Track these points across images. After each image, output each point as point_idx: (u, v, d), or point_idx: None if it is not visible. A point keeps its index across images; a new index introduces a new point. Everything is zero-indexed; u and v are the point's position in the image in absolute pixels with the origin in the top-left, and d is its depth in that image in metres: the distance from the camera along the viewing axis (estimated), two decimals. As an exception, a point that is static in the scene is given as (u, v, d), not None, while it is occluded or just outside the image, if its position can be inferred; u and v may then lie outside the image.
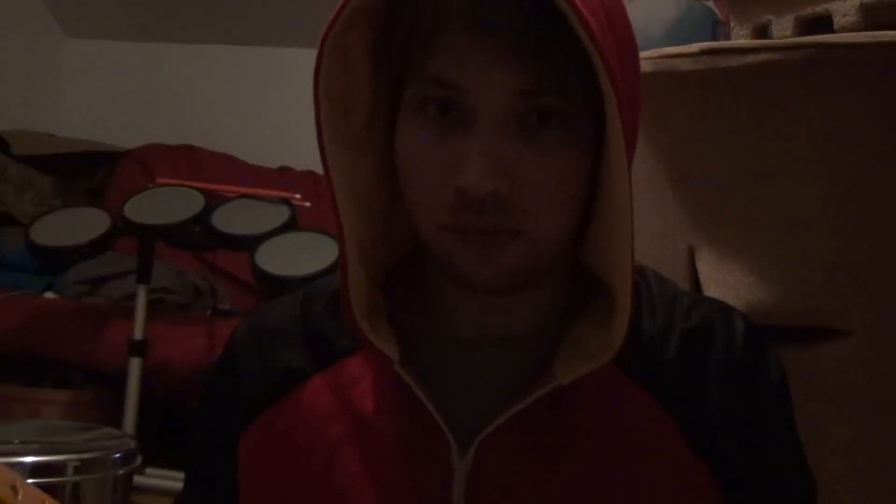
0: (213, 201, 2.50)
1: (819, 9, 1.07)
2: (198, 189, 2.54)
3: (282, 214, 2.46)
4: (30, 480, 1.22)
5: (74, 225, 2.49)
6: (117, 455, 1.41)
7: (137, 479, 1.50)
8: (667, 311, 0.78)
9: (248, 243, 2.36)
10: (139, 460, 1.45)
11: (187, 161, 3.37)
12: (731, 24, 1.21)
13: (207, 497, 0.83)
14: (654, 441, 0.74)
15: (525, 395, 0.72)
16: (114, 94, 3.69)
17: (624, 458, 0.73)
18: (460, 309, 0.77)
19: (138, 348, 2.35)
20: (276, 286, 2.22)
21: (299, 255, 2.27)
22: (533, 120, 0.68)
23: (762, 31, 1.16)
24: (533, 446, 0.73)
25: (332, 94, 0.71)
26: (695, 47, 1.03)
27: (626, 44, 0.71)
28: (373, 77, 0.73)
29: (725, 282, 1.05)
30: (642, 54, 1.07)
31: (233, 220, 2.44)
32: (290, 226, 2.42)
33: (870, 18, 1.01)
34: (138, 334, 2.36)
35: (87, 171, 3.41)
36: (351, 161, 0.73)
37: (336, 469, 0.75)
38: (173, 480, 2.07)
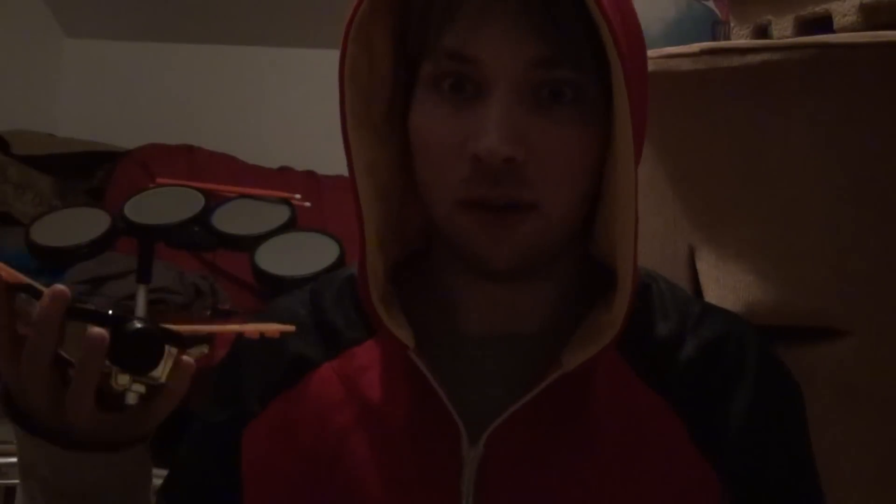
0: (213, 201, 2.50)
1: (819, 9, 1.07)
2: (198, 189, 2.54)
3: (282, 214, 2.45)
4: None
5: (74, 225, 2.48)
6: (117, 455, 1.40)
7: (137, 479, 1.49)
8: (679, 315, 0.78)
9: (248, 243, 2.35)
10: (139, 460, 1.45)
11: (187, 161, 3.37)
12: (731, 24, 1.21)
13: (197, 489, 0.83)
14: (662, 439, 0.74)
15: (534, 386, 0.72)
16: (114, 94, 3.68)
17: (631, 453, 0.74)
18: (469, 305, 0.78)
19: (138, 348, 2.34)
20: (276, 286, 2.22)
21: (299, 255, 2.27)
22: (546, 94, 0.69)
23: (762, 31, 1.16)
24: (543, 438, 0.73)
25: (357, 80, 0.72)
26: (695, 47, 1.03)
27: (634, 29, 0.73)
28: (394, 67, 0.74)
29: (725, 282, 1.05)
30: (642, 54, 1.08)
31: (233, 220, 2.44)
32: (290, 226, 2.42)
33: (870, 18, 1.01)
34: (138, 334, 2.36)
35: (87, 171, 3.40)
36: (372, 145, 0.74)
37: (344, 456, 0.75)
38: (173, 480, 2.07)
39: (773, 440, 0.77)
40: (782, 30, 1.11)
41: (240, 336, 0.84)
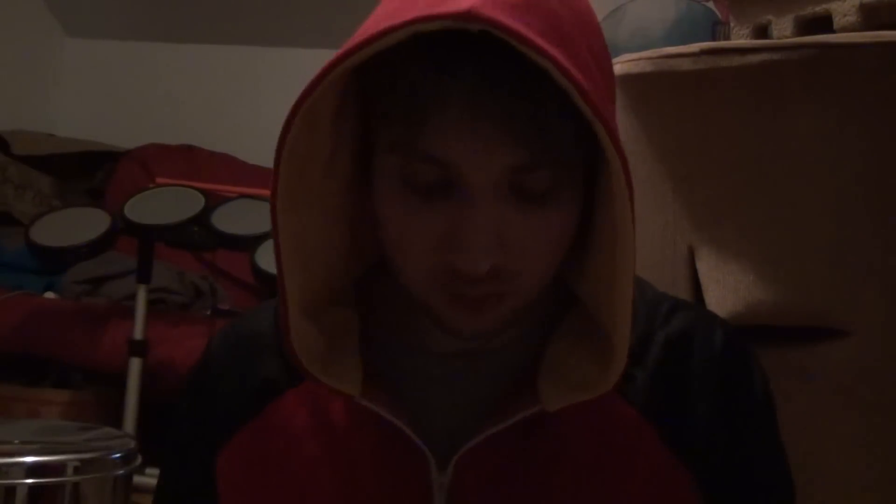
0: (213, 201, 2.50)
1: (819, 9, 1.07)
2: (198, 189, 2.54)
3: (282, 214, 2.45)
4: (29, 480, 1.24)
5: (74, 225, 2.49)
6: (117, 455, 1.40)
7: (137, 479, 1.50)
8: (647, 316, 0.77)
9: (248, 243, 2.36)
10: (139, 460, 1.45)
11: (187, 161, 3.37)
12: (731, 24, 1.21)
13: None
14: (635, 450, 0.74)
15: (507, 415, 0.71)
16: (114, 94, 3.69)
17: (605, 469, 0.73)
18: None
19: (138, 348, 2.35)
20: (275, 286, 2.22)
21: (299, 255, 2.27)
22: (527, 187, 0.66)
23: (762, 31, 1.16)
24: (513, 460, 0.73)
25: (296, 153, 0.68)
26: (695, 47, 1.03)
27: (609, 84, 0.70)
28: (333, 129, 0.71)
29: (725, 282, 1.05)
30: (642, 54, 1.08)
31: (233, 220, 2.44)
32: (289, 226, 2.42)
33: (870, 18, 1.01)
34: (138, 334, 2.36)
35: (87, 171, 3.40)
36: (301, 223, 0.71)
37: (314, 487, 0.75)
38: (173, 480, 2.07)
39: (745, 438, 0.76)
40: (782, 30, 1.11)
41: (209, 348, 0.83)
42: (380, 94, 0.68)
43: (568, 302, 0.76)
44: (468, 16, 0.59)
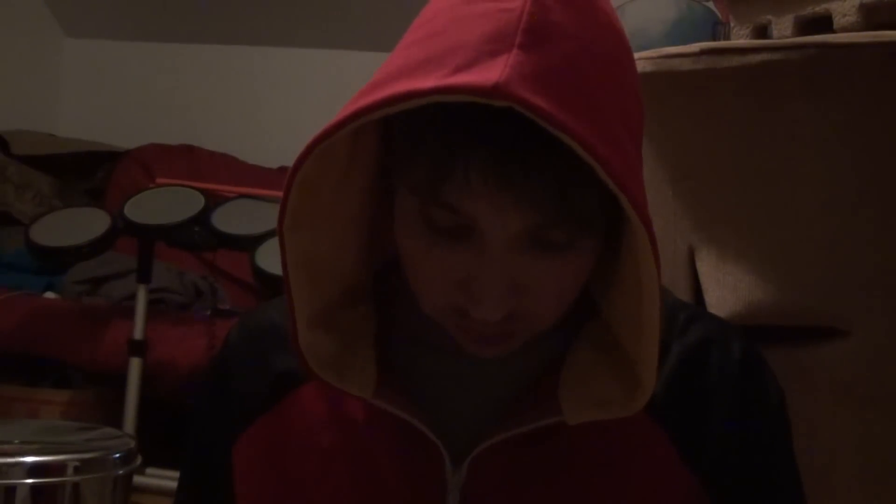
0: (213, 201, 2.50)
1: (819, 9, 1.07)
2: (198, 189, 2.55)
3: (281, 214, 2.45)
4: (29, 480, 1.23)
5: (74, 225, 2.49)
6: (117, 455, 1.40)
7: (137, 479, 1.50)
8: (665, 324, 0.77)
9: (248, 243, 2.36)
10: (139, 460, 1.45)
11: (187, 161, 3.37)
12: (731, 24, 1.21)
13: (205, 501, 0.83)
14: (648, 457, 0.74)
15: (525, 420, 0.72)
16: (114, 94, 3.69)
17: (617, 475, 0.73)
18: None
19: (138, 348, 2.35)
20: (276, 286, 2.22)
21: (299, 255, 2.27)
22: (547, 238, 0.66)
23: (762, 31, 1.16)
24: (527, 463, 0.73)
25: (307, 176, 0.69)
26: (695, 47, 1.03)
27: (638, 142, 0.70)
28: (348, 150, 0.71)
29: (725, 282, 1.05)
30: (642, 54, 1.08)
31: (233, 220, 2.44)
32: (289, 225, 2.42)
33: (870, 18, 1.01)
34: (138, 334, 2.36)
35: (87, 171, 3.41)
36: (309, 239, 0.71)
37: (329, 479, 0.75)
38: (173, 480, 2.06)
39: (755, 450, 0.76)
40: (782, 30, 1.11)
41: (227, 339, 0.84)
42: (400, 139, 0.67)
43: (589, 305, 0.76)
44: (493, 93, 0.58)
